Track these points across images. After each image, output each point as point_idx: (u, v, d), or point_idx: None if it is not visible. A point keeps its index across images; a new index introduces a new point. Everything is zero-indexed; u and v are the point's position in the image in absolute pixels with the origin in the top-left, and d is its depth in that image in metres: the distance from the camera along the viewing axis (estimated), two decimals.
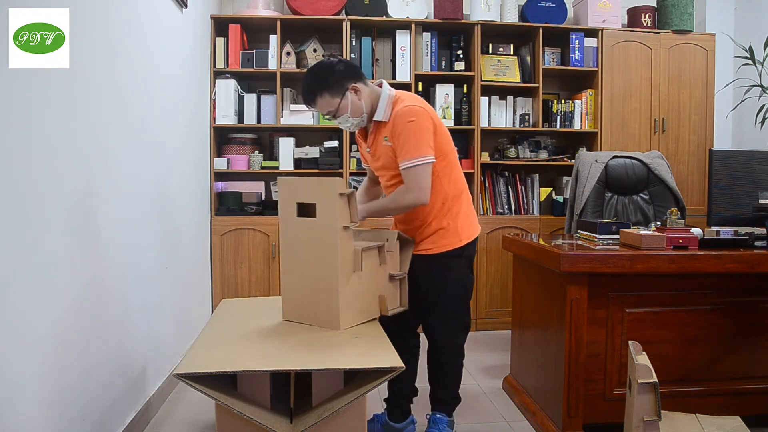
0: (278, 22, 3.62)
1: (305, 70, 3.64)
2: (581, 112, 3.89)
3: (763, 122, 3.39)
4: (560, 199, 3.89)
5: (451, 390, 2.16)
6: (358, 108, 1.96)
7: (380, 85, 2.02)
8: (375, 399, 2.53)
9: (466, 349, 2.16)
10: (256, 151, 3.76)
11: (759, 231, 2.22)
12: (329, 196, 1.74)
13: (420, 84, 3.74)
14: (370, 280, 1.87)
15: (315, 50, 3.69)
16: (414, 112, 1.89)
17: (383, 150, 1.98)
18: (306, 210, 1.83)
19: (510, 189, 3.92)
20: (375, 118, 1.97)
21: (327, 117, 2.01)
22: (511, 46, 3.94)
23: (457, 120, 3.84)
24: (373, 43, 3.74)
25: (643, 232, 2.16)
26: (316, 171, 3.67)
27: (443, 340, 2.09)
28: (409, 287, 2.05)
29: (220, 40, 3.64)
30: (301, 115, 3.73)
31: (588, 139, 3.95)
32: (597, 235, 2.31)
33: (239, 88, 3.69)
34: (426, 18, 3.75)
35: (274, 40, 3.63)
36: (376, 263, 1.90)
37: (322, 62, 2.00)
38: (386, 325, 1.87)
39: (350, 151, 3.71)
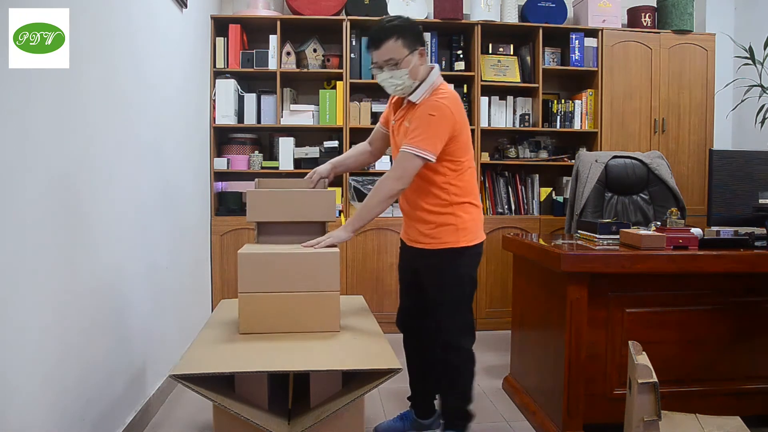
0: (278, 22, 3.62)
1: (305, 70, 3.68)
2: (581, 112, 3.89)
3: (763, 122, 3.38)
4: (560, 199, 3.89)
5: (460, 397, 2.02)
6: (416, 72, 1.91)
7: (431, 69, 1.97)
8: (374, 400, 2.53)
9: None
10: (256, 151, 3.75)
11: (759, 231, 2.21)
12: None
13: None
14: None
15: (315, 50, 3.69)
16: (439, 108, 1.86)
17: (404, 131, 1.94)
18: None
19: (510, 189, 3.92)
20: (410, 98, 1.94)
21: (376, 69, 1.92)
22: (511, 46, 3.94)
23: None
24: None
25: (643, 232, 2.15)
26: None
27: (446, 338, 1.99)
28: (410, 284, 2.07)
29: (220, 40, 3.63)
30: (301, 115, 3.72)
31: (588, 139, 3.95)
32: (597, 235, 2.31)
33: (239, 88, 3.69)
34: (426, 18, 3.75)
35: (274, 40, 3.63)
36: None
37: (403, 16, 1.95)
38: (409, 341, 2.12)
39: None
